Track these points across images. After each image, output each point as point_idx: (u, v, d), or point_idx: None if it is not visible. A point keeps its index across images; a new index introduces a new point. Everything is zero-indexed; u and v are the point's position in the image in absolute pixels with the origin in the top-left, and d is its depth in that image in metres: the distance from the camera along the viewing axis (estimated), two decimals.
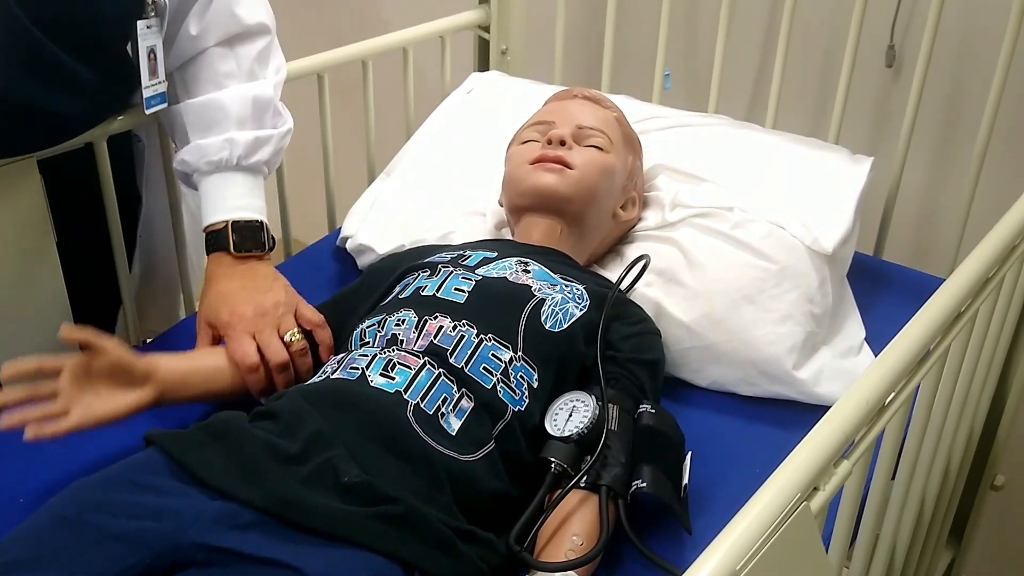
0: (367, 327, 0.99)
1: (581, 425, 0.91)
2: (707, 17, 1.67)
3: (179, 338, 1.24)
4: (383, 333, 0.96)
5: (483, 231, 1.26)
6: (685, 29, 1.70)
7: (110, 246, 1.19)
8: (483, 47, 1.68)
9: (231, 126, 1.10)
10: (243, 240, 1.08)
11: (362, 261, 1.34)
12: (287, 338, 1.03)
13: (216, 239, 1.09)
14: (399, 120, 1.59)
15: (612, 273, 1.19)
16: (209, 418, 0.90)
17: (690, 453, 0.95)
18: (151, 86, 1.08)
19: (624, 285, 1.12)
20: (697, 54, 1.72)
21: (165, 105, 1.12)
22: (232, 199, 1.10)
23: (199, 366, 1.00)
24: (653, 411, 0.95)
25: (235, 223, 1.08)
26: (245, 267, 1.08)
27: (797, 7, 1.44)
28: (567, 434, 0.91)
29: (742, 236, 1.15)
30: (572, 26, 1.69)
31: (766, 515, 0.59)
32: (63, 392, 0.89)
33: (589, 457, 0.89)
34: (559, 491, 0.87)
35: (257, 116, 1.13)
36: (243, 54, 1.14)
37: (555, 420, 0.93)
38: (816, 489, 0.65)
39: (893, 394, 0.76)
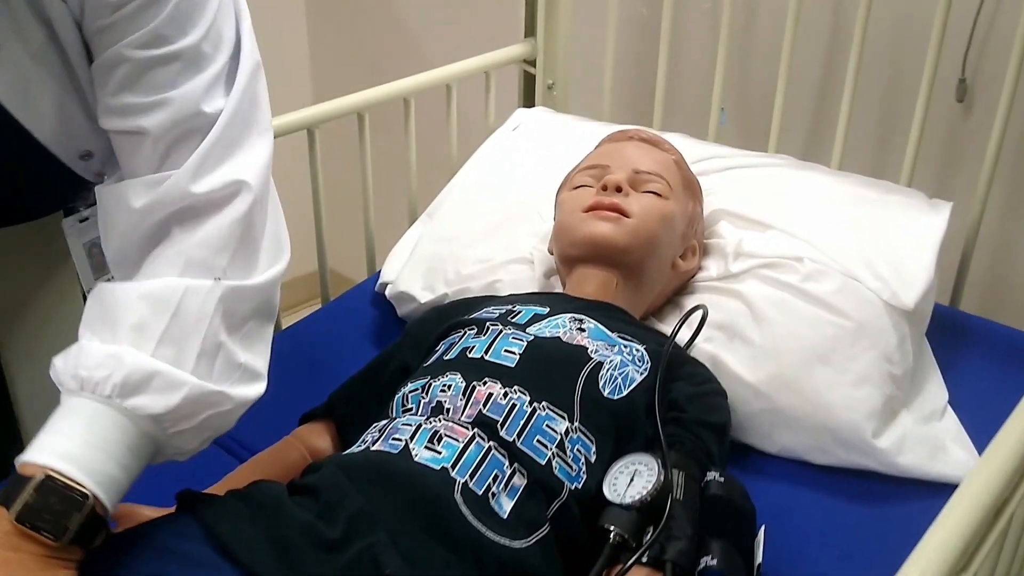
0: (410, 392, 0.91)
1: (644, 491, 0.82)
2: (761, 48, 1.59)
3: None
4: (427, 399, 0.89)
5: (531, 280, 1.18)
6: (739, 62, 1.62)
7: None
8: (528, 82, 1.62)
9: (129, 333, 0.73)
10: (39, 511, 0.66)
11: (402, 310, 1.27)
12: None
13: (11, 486, 0.68)
14: (443, 157, 1.52)
15: (670, 328, 1.10)
16: (247, 487, 0.83)
17: (763, 528, 0.86)
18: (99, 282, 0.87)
19: (683, 340, 1.04)
20: (751, 88, 1.64)
21: None
22: (74, 441, 0.70)
23: None
24: (722, 479, 0.86)
25: (48, 481, 0.67)
26: (12, 554, 0.66)
27: (858, 37, 1.35)
28: (628, 501, 0.82)
29: (813, 289, 1.06)
30: (622, 59, 1.62)
31: None
32: None
33: (652, 528, 0.80)
34: (619, 566, 0.79)
35: (178, 333, 0.73)
36: (198, 237, 0.77)
37: (615, 485, 0.84)
38: None
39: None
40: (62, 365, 0.73)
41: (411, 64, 1.61)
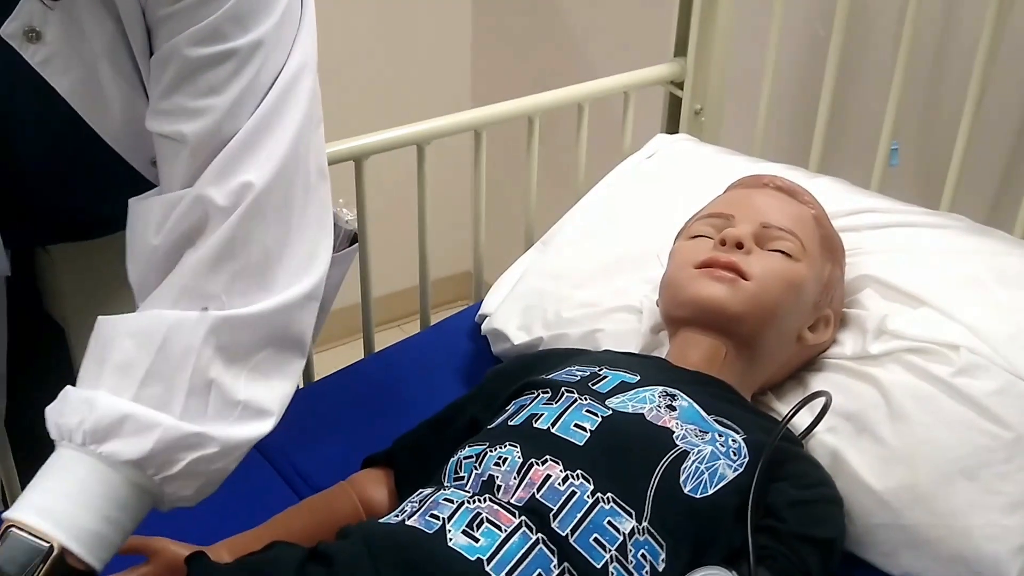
0: (464, 458, 0.81)
1: None
2: (952, 86, 1.38)
3: None
4: (479, 471, 0.78)
5: (636, 334, 1.05)
6: (925, 98, 1.42)
7: None
8: (674, 105, 1.47)
9: (111, 375, 0.69)
10: (6, 562, 0.63)
11: (496, 348, 1.17)
12: None
13: None
14: (571, 179, 1.41)
15: (788, 408, 0.95)
16: (261, 554, 0.76)
17: None
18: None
19: (798, 427, 0.89)
20: (935, 129, 1.43)
21: None
22: (44, 492, 0.66)
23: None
24: None
25: (12, 533, 0.64)
26: None
27: None
28: None
29: (967, 387, 0.88)
30: (781, 86, 1.45)
31: None
32: None
33: None
34: None
35: (165, 370, 0.68)
36: (195, 256, 0.72)
37: None
38: None
39: None
40: (48, 413, 0.69)
41: (576, 73, 1.52)
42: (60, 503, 0.65)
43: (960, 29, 1.35)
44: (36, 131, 0.75)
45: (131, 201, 0.77)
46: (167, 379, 0.68)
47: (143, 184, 0.83)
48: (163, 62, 0.72)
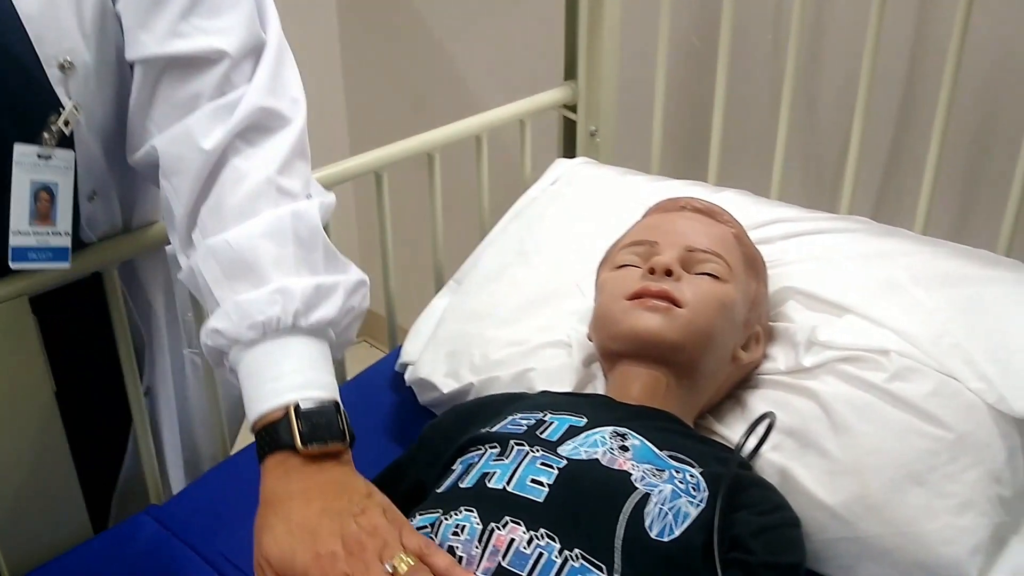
0: (418, 528, 0.76)
1: None
2: (830, 86, 1.42)
3: (198, 500, 1.05)
4: (437, 543, 0.74)
5: (568, 368, 1.02)
6: (806, 102, 1.45)
7: (117, 396, 1.00)
8: (569, 129, 1.46)
9: (274, 270, 0.77)
10: (314, 429, 0.72)
11: (424, 398, 1.12)
12: (391, 567, 0.66)
13: (272, 435, 0.73)
14: (474, 214, 1.38)
15: (730, 429, 0.95)
16: None
17: None
18: (34, 233, 0.80)
19: (745, 450, 0.88)
20: (818, 134, 1.46)
21: (58, 266, 0.83)
22: (292, 374, 0.75)
23: None
24: None
25: (301, 408, 0.73)
26: (321, 475, 0.72)
27: (945, 72, 1.17)
28: None
29: (902, 391, 0.89)
30: (673, 103, 1.46)
31: None
32: None
33: None
34: None
35: (306, 253, 0.79)
36: (270, 156, 0.81)
37: None
38: None
39: None
40: (227, 325, 0.76)
41: (455, 104, 1.48)
42: (308, 375, 0.75)
43: (835, 31, 1.39)
44: None
45: (161, 139, 0.81)
46: (310, 257, 0.78)
47: (40, 91, 0.79)
48: None
